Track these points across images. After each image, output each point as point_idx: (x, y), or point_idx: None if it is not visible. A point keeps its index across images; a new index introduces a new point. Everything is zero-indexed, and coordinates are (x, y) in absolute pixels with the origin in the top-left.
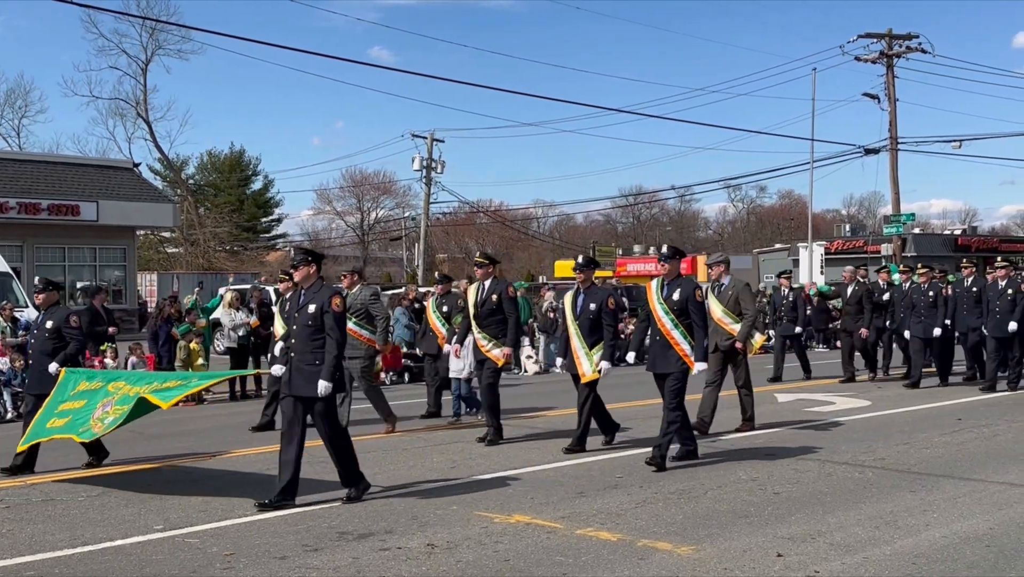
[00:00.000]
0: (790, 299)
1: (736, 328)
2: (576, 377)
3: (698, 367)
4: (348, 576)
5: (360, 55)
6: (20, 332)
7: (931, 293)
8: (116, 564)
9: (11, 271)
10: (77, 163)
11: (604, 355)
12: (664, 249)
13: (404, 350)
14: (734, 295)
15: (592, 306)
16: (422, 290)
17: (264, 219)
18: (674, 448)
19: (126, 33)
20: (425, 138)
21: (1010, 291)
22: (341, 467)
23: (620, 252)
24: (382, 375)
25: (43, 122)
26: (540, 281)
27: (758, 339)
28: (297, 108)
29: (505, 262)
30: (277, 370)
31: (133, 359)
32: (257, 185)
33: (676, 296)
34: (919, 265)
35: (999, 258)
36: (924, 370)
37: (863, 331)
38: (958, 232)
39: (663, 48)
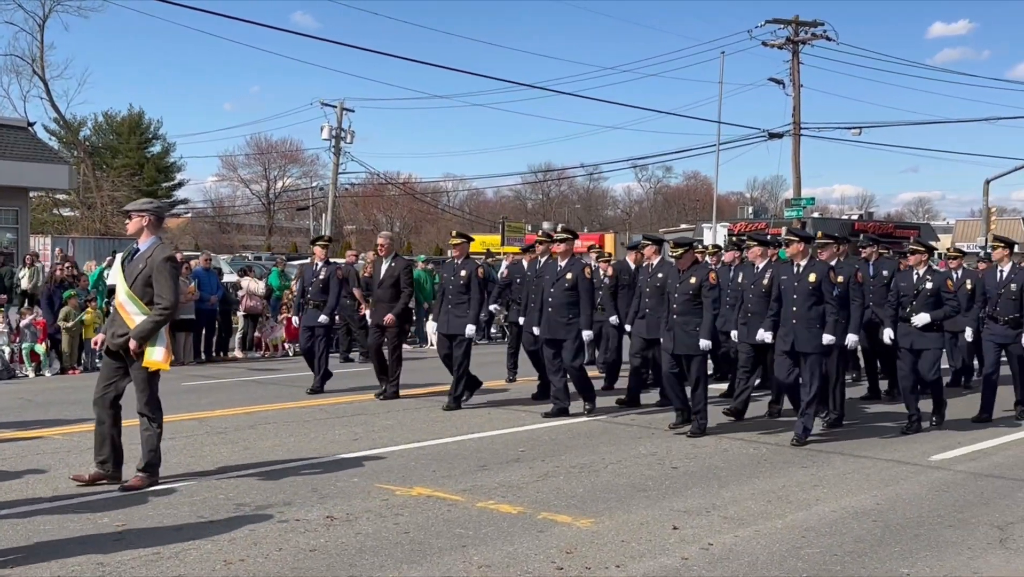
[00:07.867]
0: (322, 277)
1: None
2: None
3: None
4: (244, 547)
5: (282, 21)
6: None
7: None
8: (2, 534)
9: None
10: None
11: None
12: None
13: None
14: (147, 270)
15: None
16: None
17: (165, 184)
18: None
19: None
20: (335, 107)
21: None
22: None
23: (529, 228)
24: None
25: None
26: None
27: (158, 353)
28: (207, 72)
29: (414, 236)
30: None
31: (24, 323)
32: (157, 148)
33: None
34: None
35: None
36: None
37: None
38: (855, 217)
39: (576, 25)
